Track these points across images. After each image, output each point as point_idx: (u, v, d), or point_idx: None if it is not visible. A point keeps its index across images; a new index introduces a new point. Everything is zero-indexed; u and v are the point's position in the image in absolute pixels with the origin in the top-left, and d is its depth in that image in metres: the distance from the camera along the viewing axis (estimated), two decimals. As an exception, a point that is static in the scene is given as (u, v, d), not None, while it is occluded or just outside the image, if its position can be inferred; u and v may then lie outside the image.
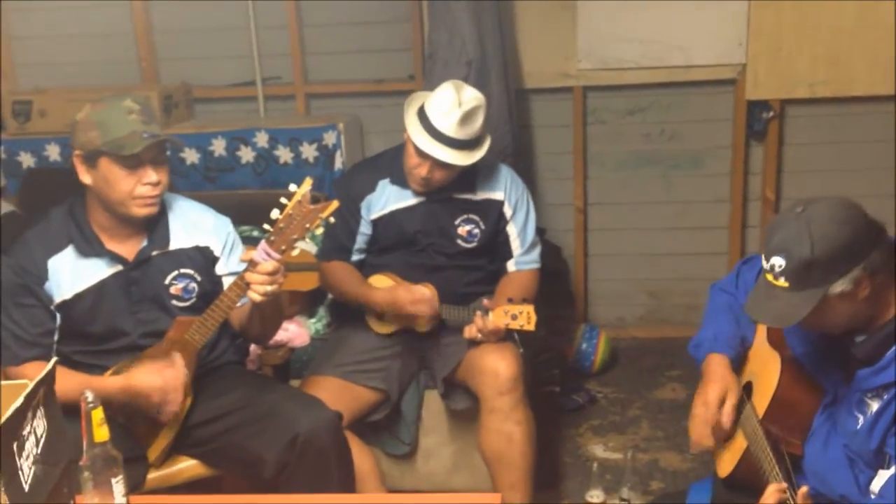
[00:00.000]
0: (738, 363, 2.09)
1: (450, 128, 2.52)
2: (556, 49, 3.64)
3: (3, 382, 1.36)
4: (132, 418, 2.14)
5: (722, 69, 3.60)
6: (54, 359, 1.42)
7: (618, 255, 3.91)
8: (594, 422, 3.32)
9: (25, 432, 1.22)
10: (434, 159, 2.54)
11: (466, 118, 2.53)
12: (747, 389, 2.07)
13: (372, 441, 2.69)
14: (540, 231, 3.71)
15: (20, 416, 1.19)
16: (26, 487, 1.24)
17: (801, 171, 3.70)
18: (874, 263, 1.66)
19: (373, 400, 2.65)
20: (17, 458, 1.19)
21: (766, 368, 2.04)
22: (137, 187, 2.10)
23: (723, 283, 2.24)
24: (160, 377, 2.08)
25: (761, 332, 2.13)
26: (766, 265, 1.71)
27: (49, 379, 1.32)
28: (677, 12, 3.55)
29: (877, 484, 1.70)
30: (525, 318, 2.50)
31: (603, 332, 3.68)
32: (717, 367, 2.03)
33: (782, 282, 1.68)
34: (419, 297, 2.60)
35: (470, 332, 2.55)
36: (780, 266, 1.67)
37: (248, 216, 3.28)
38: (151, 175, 2.10)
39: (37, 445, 1.26)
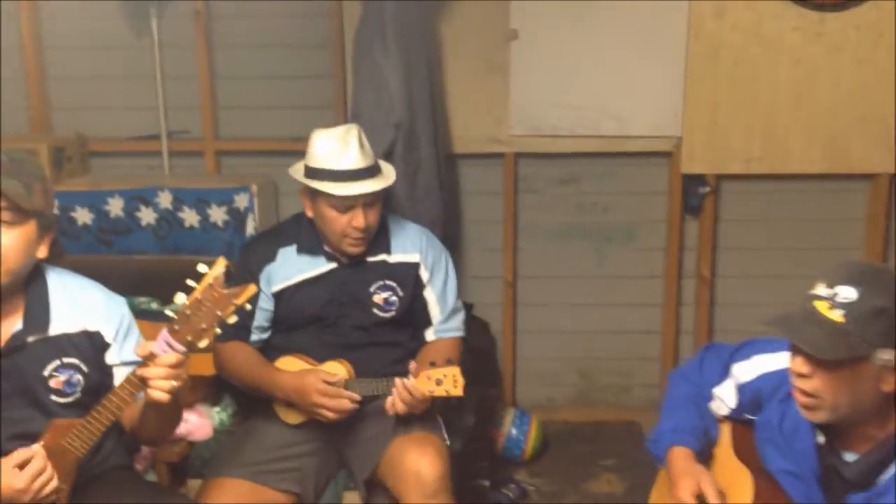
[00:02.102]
0: (705, 457, 1.88)
1: (354, 161, 2.34)
2: (487, 113, 3.44)
3: None
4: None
5: (657, 141, 3.47)
6: None
7: (548, 331, 3.70)
8: (528, 517, 3.07)
9: None
10: (363, 197, 2.32)
11: (360, 146, 2.36)
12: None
13: (283, 552, 2.35)
14: (467, 306, 3.49)
15: None
16: None
17: (736, 249, 3.58)
18: None
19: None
20: None
21: (737, 485, 1.83)
22: None
23: (684, 370, 2.04)
24: (19, 477, 1.71)
25: (726, 436, 1.94)
26: (822, 291, 1.53)
27: None
28: (613, 81, 3.41)
29: None
30: (451, 382, 2.23)
31: (534, 418, 3.44)
32: (681, 461, 1.82)
33: (837, 315, 1.50)
34: (330, 388, 2.29)
35: (391, 404, 2.27)
36: (845, 298, 1.49)
37: (147, 286, 2.96)
38: None
39: None
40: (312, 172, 2.37)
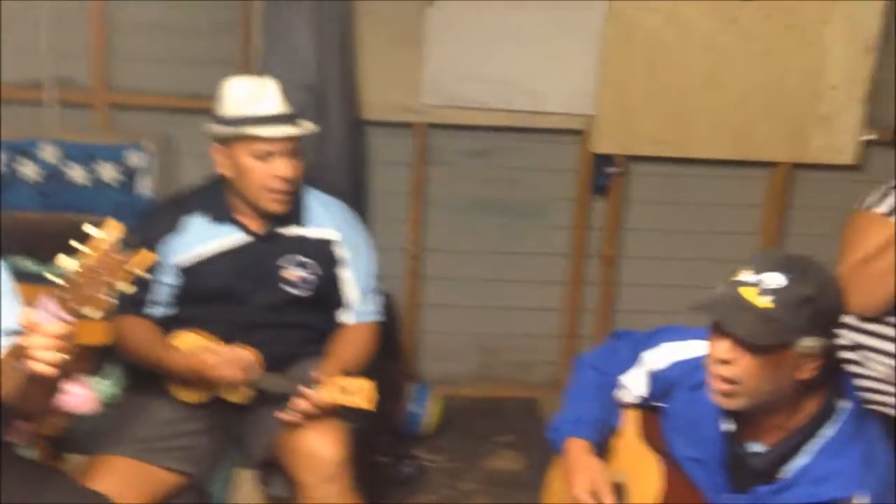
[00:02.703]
0: (602, 449, 1.87)
1: (275, 105, 2.24)
2: (400, 82, 3.33)
3: None
4: None
5: (570, 119, 3.45)
6: None
7: (451, 306, 3.65)
8: (425, 495, 3.01)
9: None
10: (287, 143, 2.21)
11: (276, 87, 2.26)
12: (618, 490, 1.85)
13: (171, 534, 2.23)
14: (377, 280, 3.41)
15: None
16: None
17: (642, 230, 3.61)
18: (830, 354, 1.53)
19: (175, 484, 2.19)
20: None
21: (644, 471, 1.83)
22: None
23: (591, 358, 2.03)
24: None
25: (632, 423, 1.94)
26: (751, 277, 1.52)
27: None
28: (529, 56, 3.36)
29: None
30: (361, 396, 2.15)
31: (434, 393, 3.39)
32: (578, 453, 1.81)
33: (766, 301, 1.49)
34: (229, 357, 2.18)
35: (290, 414, 2.16)
36: (775, 285, 1.49)
37: (30, 246, 2.76)
38: None
39: None
40: (229, 122, 2.22)
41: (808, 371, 1.51)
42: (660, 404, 1.87)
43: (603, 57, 3.36)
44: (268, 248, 2.31)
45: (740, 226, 3.60)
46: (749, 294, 1.51)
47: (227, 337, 2.26)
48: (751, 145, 3.46)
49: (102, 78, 3.28)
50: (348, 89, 3.10)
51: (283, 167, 2.21)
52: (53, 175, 3.00)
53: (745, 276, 1.54)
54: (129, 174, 3.02)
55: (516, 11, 3.31)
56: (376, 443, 3.01)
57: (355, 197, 3.21)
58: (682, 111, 3.42)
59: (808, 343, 1.49)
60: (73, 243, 1.62)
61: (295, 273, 2.33)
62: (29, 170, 2.99)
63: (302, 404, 2.15)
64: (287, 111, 2.26)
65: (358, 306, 2.42)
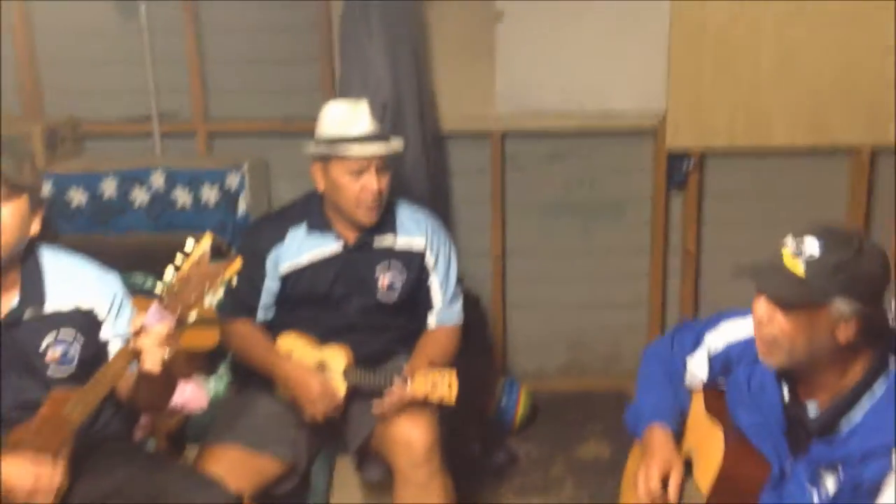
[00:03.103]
0: (679, 432, 1.96)
1: (366, 126, 2.45)
2: (474, 93, 3.49)
3: None
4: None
5: (642, 117, 3.53)
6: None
7: (537, 305, 3.77)
8: (516, 481, 3.14)
9: None
10: (377, 160, 2.40)
11: (366, 108, 2.47)
12: (687, 465, 1.94)
13: (277, 518, 2.43)
14: (459, 285, 3.56)
15: None
16: None
17: (721, 223, 3.64)
18: (871, 319, 1.59)
19: (279, 471, 2.39)
20: None
21: (708, 443, 1.91)
22: None
23: (656, 348, 2.12)
24: (32, 477, 1.79)
25: (698, 402, 2.02)
26: (790, 242, 1.61)
27: None
28: (597, 60, 3.46)
29: None
30: (446, 386, 2.33)
31: (523, 387, 3.52)
32: (661, 441, 1.89)
33: (799, 266, 1.58)
34: (323, 394, 2.37)
35: (382, 406, 2.35)
36: (811, 250, 1.57)
37: (142, 263, 3.01)
38: None
39: None
40: (326, 142, 2.44)
41: (845, 333, 1.57)
42: (721, 384, 1.94)
43: (671, 55, 3.43)
44: (361, 257, 2.51)
45: (822, 214, 3.58)
46: (786, 257, 1.60)
47: (324, 338, 2.46)
48: (828, 132, 3.45)
49: (201, 109, 3.56)
50: (423, 104, 3.27)
51: (373, 181, 2.40)
52: (161, 199, 3.27)
53: (788, 238, 1.62)
54: (228, 195, 3.27)
55: (581, 17, 3.42)
56: (469, 434, 3.15)
57: (438, 205, 3.37)
58: (755, 102, 3.45)
59: (841, 306, 1.56)
60: (177, 257, 1.85)
61: (386, 281, 2.52)
62: (140, 196, 3.28)
63: (393, 398, 2.33)
64: (377, 131, 2.47)
65: (442, 310, 2.60)
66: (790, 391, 1.72)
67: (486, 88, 3.49)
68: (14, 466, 1.79)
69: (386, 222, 2.52)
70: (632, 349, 3.78)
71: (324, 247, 2.49)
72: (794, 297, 1.57)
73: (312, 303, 2.50)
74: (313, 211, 2.51)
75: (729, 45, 3.41)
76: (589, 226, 3.69)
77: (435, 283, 2.58)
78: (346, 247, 2.50)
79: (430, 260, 2.57)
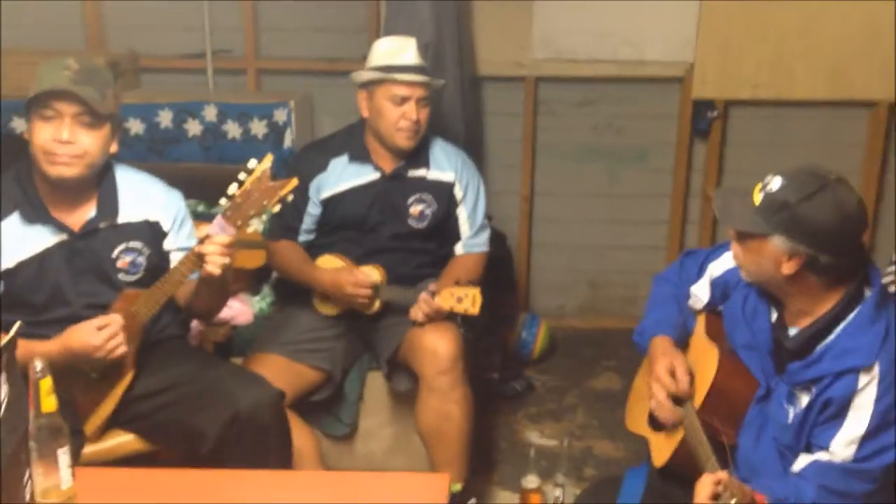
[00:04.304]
0: (682, 345, 2.13)
1: (413, 58, 2.67)
2: (511, 38, 3.66)
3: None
4: (70, 389, 2.10)
5: (671, 66, 3.67)
6: (18, 323, 1.40)
7: (561, 245, 3.97)
8: (531, 409, 3.37)
9: (-10, 396, 1.21)
10: (420, 89, 2.62)
11: (412, 45, 2.69)
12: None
13: (312, 421, 2.69)
14: (486, 218, 3.76)
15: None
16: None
17: (742, 171, 3.79)
18: (818, 263, 1.72)
19: (316, 380, 2.66)
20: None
21: (704, 360, 2.09)
22: (51, 143, 2.04)
23: (665, 273, 2.30)
24: (97, 336, 2.03)
25: (700, 324, 2.19)
26: (767, 177, 1.75)
27: (11, 345, 1.30)
28: (631, 8, 3.61)
29: (798, 465, 1.76)
30: (470, 300, 2.53)
31: (543, 322, 3.73)
32: (660, 345, 2.08)
33: (757, 197, 1.74)
34: (362, 280, 2.61)
35: (415, 314, 2.57)
36: (770, 186, 1.73)
37: (194, 190, 3.21)
38: (64, 132, 2.03)
39: (-1, 409, 1.24)
40: (375, 69, 2.67)
41: (788, 268, 1.72)
42: (720, 306, 2.14)
43: (702, 6, 3.56)
44: (396, 186, 2.73)
45: (840, 165, 3.62)
46: (755, 189, 1.76)
47: (359, 260, 2.70)
48: (849, 86, 3.58)
49: (252, 47, 3.77)
50: (462, 47, 3.44)
51: (413, 112, 2.62)
52: (213, 131, 3.51)
53: (768, 176, 1.77)
54: (276, 129, 3.50)
55: (618, -33, 3.56)
56: (490, 363, 3.38)
57: (471, 145, 3.56)
58: (780, 55, 3.58)
59: (778, 243, 1.71)
60: (240, 174, 2.06)
61: (417, 208, 2.74)
62: (193, 127, 3.52)
63: (423, 307, 2.55)
64: (423, 64, 2.69)
65: (468, 239, 2.82)
66: (778, 316, 1.91)
67: (523, 34, 3.65)
68: (81, 332, 2.04)
69: (420, 156, 2.73)
70: (648, 292, 3.96)
71: (362, 176, 2.71)
72: (741, 223, 1.75)
73: (349, 227, 2.73)
74: (355, 142, 2.73)
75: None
76: (614, 170, 3.86)
77: (463, 213, 2.80)
78: (382, 176, 2.71)
79: (458, 192, 2.78)
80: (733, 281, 2.06)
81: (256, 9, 3.74)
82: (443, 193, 2.76)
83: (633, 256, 3.95)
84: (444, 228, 2.81)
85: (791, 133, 3.74)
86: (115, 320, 2.06)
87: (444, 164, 2.78)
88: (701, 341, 2.15)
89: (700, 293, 2.17)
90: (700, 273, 2.18)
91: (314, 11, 3.74)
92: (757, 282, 1.85)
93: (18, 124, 3.45)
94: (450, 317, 2.63)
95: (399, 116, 2.62)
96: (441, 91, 3.39)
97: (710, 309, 2.18)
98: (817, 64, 3.56)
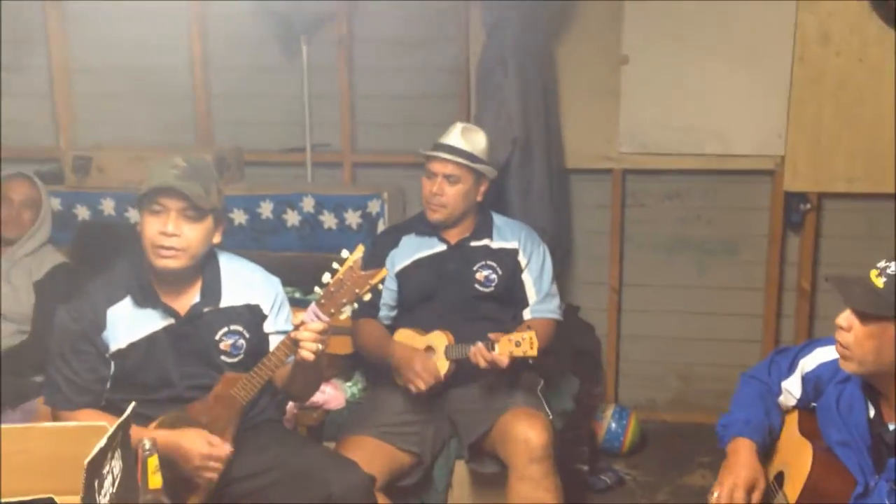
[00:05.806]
0: (765, 453, 2.11)
1: (454, 140, 2.84)
2: (598, 132, 3.74)
3: (82, 424, 1.42)
4: (173, 471, 2.18)
5: (760, 160, 3.67)
6: (133, 403, 1.48)
7: (650, 336, 3.94)
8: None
9: (105, 471, 1.28)
10: (444, 167, 2.78)
11: (466, 131, 2.85)
12: (779, 479, 2.08)
13: (401, 506, 2.70)
14: (574, 308, 3.78)
15: (102, 456, 1.25)
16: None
17: (837, 264, 3.71)
18: None
19: (407, 463, 2.69)
20: (97, 495, 1.24)
21: (799, 458, 2.05)
22: (157, 236, 2.17)
23: (754, 371, 2.28)
24: (207, 446, 2.12)
25: (792, 423, 2.16)
26: (881, 263, 1.79)
27: (127, 423, 1.38)
28: (718, 102, 3.64)
29: None
30: (528, 343, 2.57)
31: (633, 414, 3.68)
32: (746, 452, 2.05)
33: (879, 281, 1.77)
34: (431, 368, 2.66)
35: (476, 358, 2.61)
36: (890, 270, 1.76)
37: (291, 278, 3.34)
38: (169, 225, 2.16)
39: (113, 485, 1.31)
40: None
41: None
42: (815, 403, 2.09)
43: (792, 99, 3.57)
44: (461, 254, 2.89)
45: None
46: (873, 274, 1.78)
47: (430, 327, 2.77)
48: (947, 178, 3.51)
49: (348, 142, 3.95)
50: (551, 140, 3.54)
51: (437, 185, 2.80)
52: (310, 221, 3.67)
53: (881, 262, 1.79)
54: (369, 219, 3.63)
55: (706, 61, 3.62)
56: (578, 453, 3.34)
57: (558, 236, 3.62)
58: (874, 147, 3.54)
59: None
60: (333, 264, 2.15)
61: (483, 274, 2.87)
62: (292, 217, 3.68)
63: (484, 355, 2.58)
64: (465, 148, 2.83)
65: (536, 305, 2.90)
66: (875, 412, 1.86)
67: (610, 128, 3.73)
68: (194, 437, 2.13)
69: (483, 229, 2.91)
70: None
71: (429, 247, 2.89)
72: (867, 305, 1.74)
73: (422, 299, 2.84)
74: (423, 220, 2.90)
75: (850, 90, 3.53)
76: (704, 262, 3.84)
77: (528, 279, 2.90)
78: (448, 247, 2.87)
79: (522, 259, 2.91)
80: (826, 376, 2.04)
81: (353, 105, 3.93)
82: (507, 259, 2.88)
83: (726, 349, 3.88)
84: (511, 294, 2.89)
85: (887, 226, 3.65)
86: (226, 449, 2.15)
87: (508, 235, 2.92)
88: (794, 438, 2.11)
89: (792, 389, 2.15)
90: (791, 369, 2.15)
91: (407, 107, 3.91)
92: (865, 372, 1.82)
93: (80, 212, 3.75)
94: (537, 406, 2.66)
95: (429, 190, 2.80)
96: (530, 182, 3.49)
97: (802, 406, 2.14)
98: (913, 156, 3.51)
